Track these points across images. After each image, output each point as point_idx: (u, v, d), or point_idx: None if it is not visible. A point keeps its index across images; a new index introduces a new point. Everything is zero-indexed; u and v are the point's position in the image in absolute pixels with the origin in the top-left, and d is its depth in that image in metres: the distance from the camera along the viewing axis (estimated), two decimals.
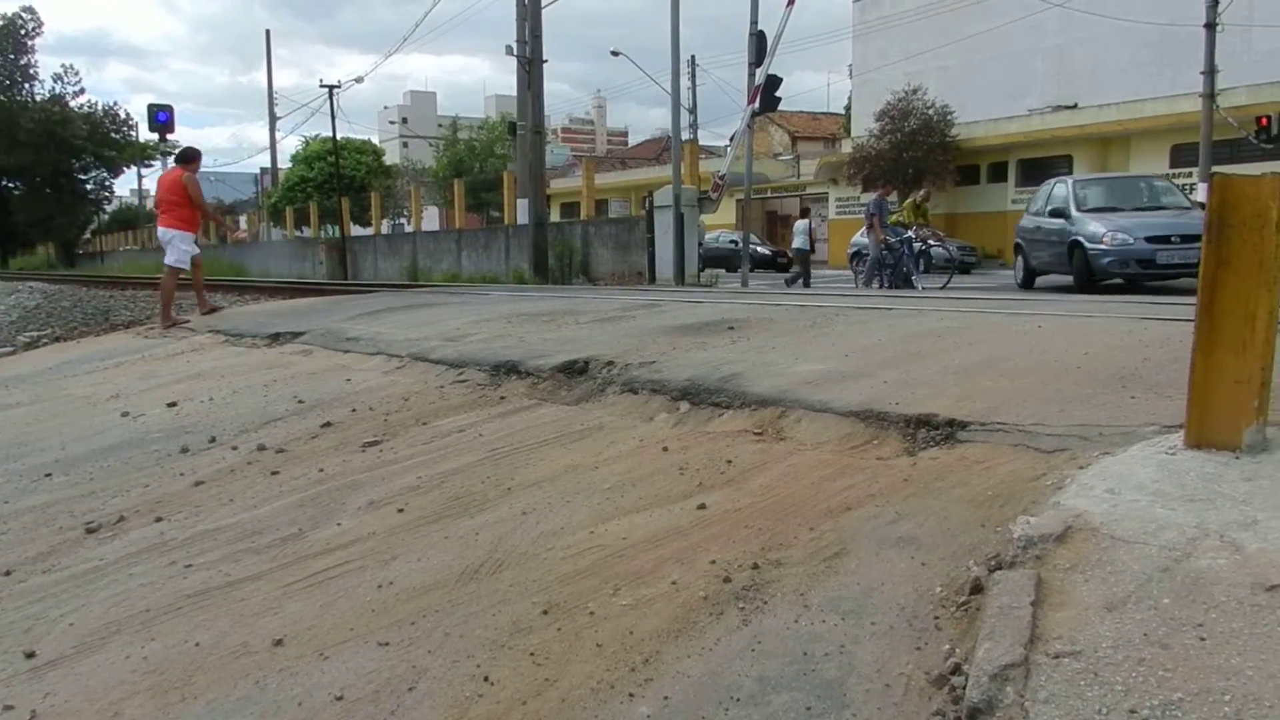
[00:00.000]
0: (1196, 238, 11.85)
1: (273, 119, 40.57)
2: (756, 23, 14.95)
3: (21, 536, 3.54)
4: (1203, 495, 2.32)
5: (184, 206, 9.95)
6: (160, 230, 10.16)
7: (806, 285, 17.78)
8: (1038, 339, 4.75)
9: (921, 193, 17.70)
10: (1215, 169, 20.48)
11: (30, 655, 2.52)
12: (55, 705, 2.26)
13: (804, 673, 1.99)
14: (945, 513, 2.59)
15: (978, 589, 2.13)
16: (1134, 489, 2.41)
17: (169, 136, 27.99)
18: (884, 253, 15.23)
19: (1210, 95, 21.51)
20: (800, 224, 19.79)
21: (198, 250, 10.25)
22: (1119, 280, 13.87)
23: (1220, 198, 2.47)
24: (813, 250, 20.30)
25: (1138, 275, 13.51)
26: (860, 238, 18.36)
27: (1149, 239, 13.19)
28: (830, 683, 1.95)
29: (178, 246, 9.96)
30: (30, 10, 47.33)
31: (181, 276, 10.36)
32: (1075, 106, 28.19)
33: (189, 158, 10.35)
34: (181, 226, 9.98)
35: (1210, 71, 21.30)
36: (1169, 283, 13.33)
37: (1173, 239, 13.04)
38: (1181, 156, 25.26)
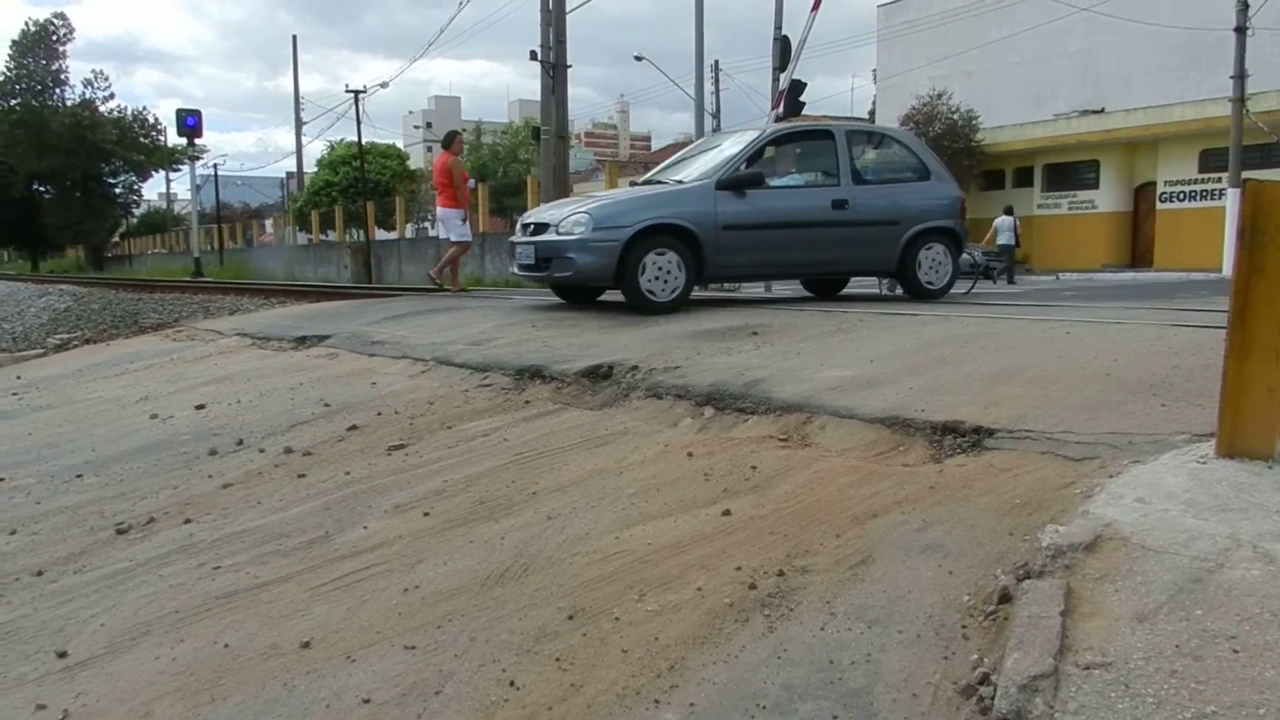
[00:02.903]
0: (544, 227, 7.93)
1: (299, 124, 40.91)
2: (781, 27, 14.93)
3: (53, 537, 3.58)
4: (1235, 505, 2.30)
5: (453, 187, 11.45)
6: (439, 210, 11.79)
7: (1011, 281, 20.98)
8: (1065, 345, 4.71)
9: None
10: (1246, 174, 20.25)
11: (62, 655, 2.55)
12: (87, 705, 2.29)
13: (830, 681, 1.98)
14: (972, 521, 2.57)
15: (1006, 598, 2.12)
16: (1165, 498, 2.39)
17: (197, 141, 28.33)
18: None
19: (1240, 100, 21.28)
20: (1005, 220, 22.20)
21: (467, 229, 11.83)
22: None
23: (1253, 204, 2.45)
24: (1018, 245, 22.68)
25: (521, 279, 9.35)
26: None
27: (523, 226, 8.71)
28: (857, 691, 1.94)
29: (453, 224, 11.50)
30: (62, 16, 48.05)
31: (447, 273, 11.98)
32: (1102, 111, 27.94)
33: (450, 141, 11.84)
34: (454, 205, 11.49)
35: (1240, 76, 21.07)
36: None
37: (530, 227, 8.41)
38: (1210, 161, 25.00)
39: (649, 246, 7.71)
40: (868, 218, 8.47)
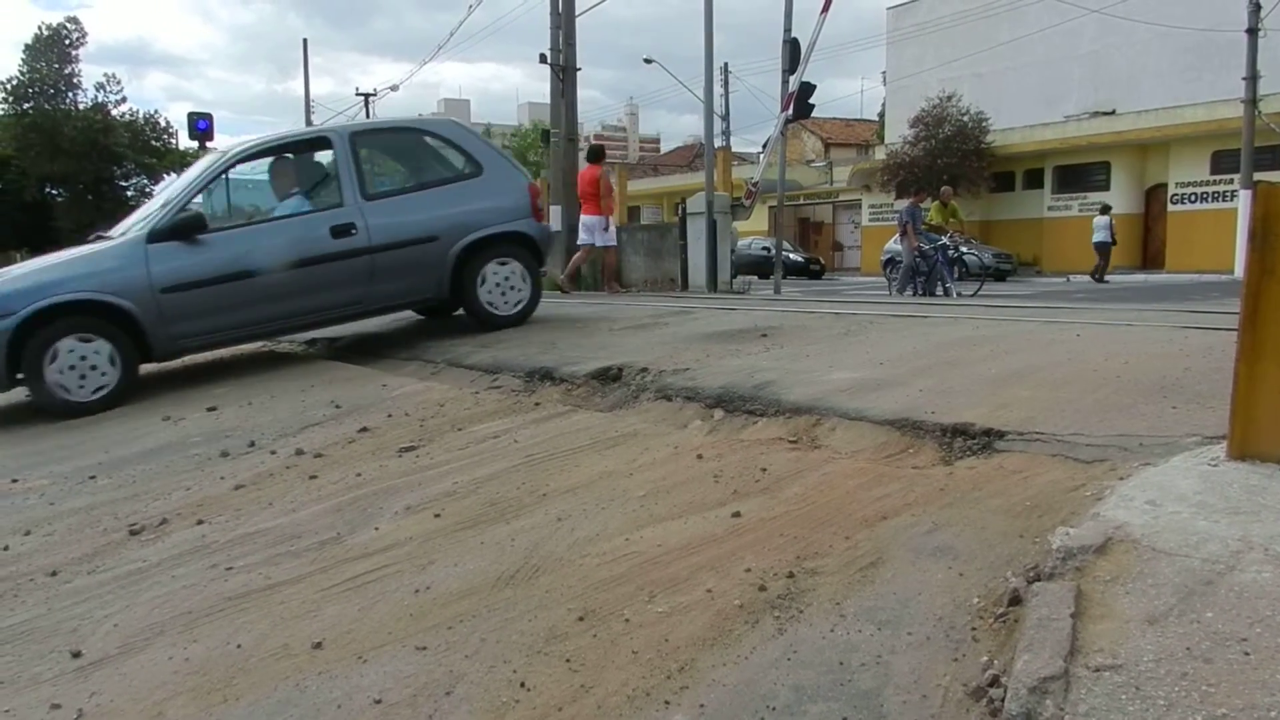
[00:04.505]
0: None
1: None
2: (790, 30, 14.91)
3: (67, 537, 3.61)
4: (1246, 507, 2.29)
5: (603, 197, 11.96)
6: (584, 218, 12.24)
7: (1101, 279, 22.26)
8: (1076, 347, 4.70)
9: (945, 190, 17.53)
10: (1257, 176, 20.15)
11: (76, 655, 2.57)
12: (101, 705, 2.30)
13: (840, 682, 1.99)
14: (983, 523, 2.57)
15: (1016, 600, 2.12)
16: (1176, 500, 2.38)
17: (208, 144, 28.49)
18: (918, 260, 15.13)
19: (1252, 101, 21.20)
20: (1101, 219, 23.18)
21: (613, 234, 12.47)
22: None
23: (1264, 206, 2.44)
24: (1114, 243, 23.32)
25: None
26: (894, 244, 18.33)
27: None
28: (867, 693, 1.94)
29: (599, 231, 12.06)
30: (74, 20, 48.31)
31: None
32: (1113, 113, 27.87)
33: (600, 155, 12.62)
34: (603, 213, 12.05)
35: (1252, 77, 20.99)
36: None
37: None
38: (1222, 163, 24.91)
39: (62, 329, 5.94)
40: (389, 240, 6.70)
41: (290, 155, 7.09)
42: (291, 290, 6.50)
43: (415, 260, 6.81)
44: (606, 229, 12.16)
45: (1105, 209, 23.71)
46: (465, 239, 6.92)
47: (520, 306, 7.22)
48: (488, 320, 7.08)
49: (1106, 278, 22.56)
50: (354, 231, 6.60)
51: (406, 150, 7.72)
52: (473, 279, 7.00)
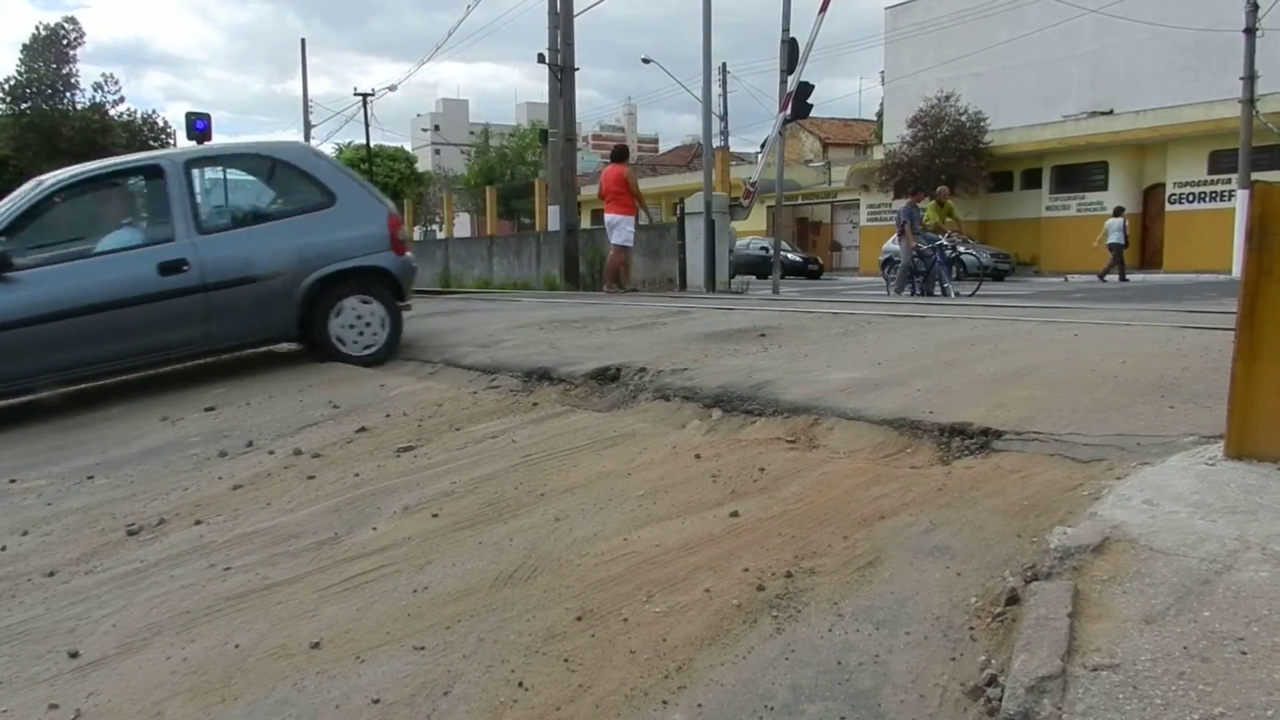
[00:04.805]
0: None
1: (307, 127, 41.03)
2: (788, 30, 14.89)
3: (65, 537, 3.60)
4: (1244, 507, 2.30)
5: (627, 195, 12.08)
6: (608, 216, 12.39)
7: (1123, 279, 22.38)
8: (1074, 347, 4.70)
9: (941, 190, 17.53)
10: (1255, 176, 20.17)
11: (74, 655, 2.57)
12: (99, 705, 2.30)
13: (838, 682, 1.99)
14: (980, 522, 2.57)
15: (1013, 600, 2.12)
16: (1173, 500, 2.38)
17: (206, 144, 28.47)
18: (915, 260, 15.14)
19: (1249, 101, 21.23)
20: (1114, 221, 23.27)
21: (632, 234, 12.58)
22: None
23: (1262, 206, 2.45)
24: (1126, 245, 23.50)
25: None
26: (892, 244, 18.36)
27: None
28: (864, 693, 1.94)
29: (624, 229, 12.17)
30: (72, 20, 48.28)
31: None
32: (1111, 112, 27.89)
33: (625, 155, 12.82)
34: (626, 212, 12.21)
35: (1250, 77, 21.03)
36: None
37: None
38: (1220, 163, 24.94)
39: None
40: (226, 277, 6.20)
41: (119, 184, 6.66)
42: (115, 331, 6.04)
43: (257, 298, 6.33)
44: (624, 228, 12.21)
45: (1119, 211, 23.86)
46: (314, 274, 6.42)
47: (372, 350, 6.65)
48: (342, 360, 6.60)
49: (1108, 277, 22.61)
50: (185, 268, 6.12)
51: (249, 178, 7.22)
52: (324, 315, 6.51)
